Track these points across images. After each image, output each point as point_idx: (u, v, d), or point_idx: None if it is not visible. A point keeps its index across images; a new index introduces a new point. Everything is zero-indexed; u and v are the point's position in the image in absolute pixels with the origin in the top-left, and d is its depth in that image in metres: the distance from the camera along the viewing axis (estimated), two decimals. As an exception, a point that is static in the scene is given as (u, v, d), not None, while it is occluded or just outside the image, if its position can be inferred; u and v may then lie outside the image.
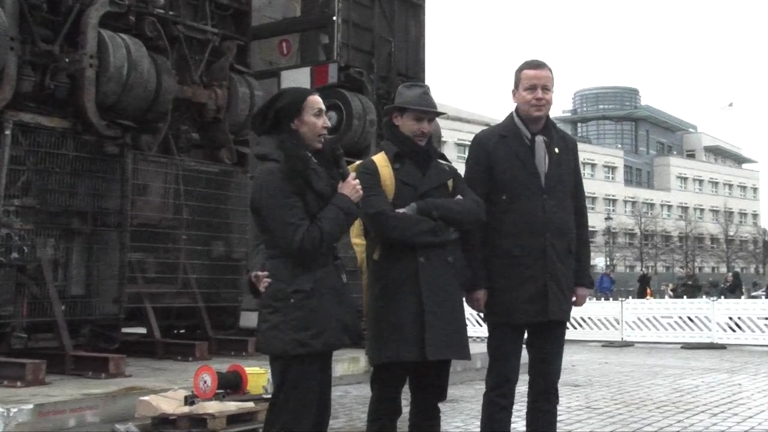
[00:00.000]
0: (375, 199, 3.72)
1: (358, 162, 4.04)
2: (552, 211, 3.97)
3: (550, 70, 4.07)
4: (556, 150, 4.06)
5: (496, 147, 4.09)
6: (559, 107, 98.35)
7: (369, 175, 3.81)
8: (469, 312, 4.33)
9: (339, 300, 3.36)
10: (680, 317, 15.68)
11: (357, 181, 3.48)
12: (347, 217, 3.39)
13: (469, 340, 4.01)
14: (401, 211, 3.73)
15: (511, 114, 4.16)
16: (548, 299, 3.91)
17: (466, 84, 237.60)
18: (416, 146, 3.87)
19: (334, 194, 3.40)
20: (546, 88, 4.03)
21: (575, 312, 4.17)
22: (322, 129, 3.46)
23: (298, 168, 3.29)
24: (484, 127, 4.69)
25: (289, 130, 3.41)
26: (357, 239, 3.95)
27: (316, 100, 3.47)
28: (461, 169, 4.09)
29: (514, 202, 3.98)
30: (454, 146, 56.48)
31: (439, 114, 4.00)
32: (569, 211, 4.06)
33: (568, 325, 4.25)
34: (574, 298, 4.12)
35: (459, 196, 3.86)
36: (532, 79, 4.03)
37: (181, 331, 10.08)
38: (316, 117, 3.44)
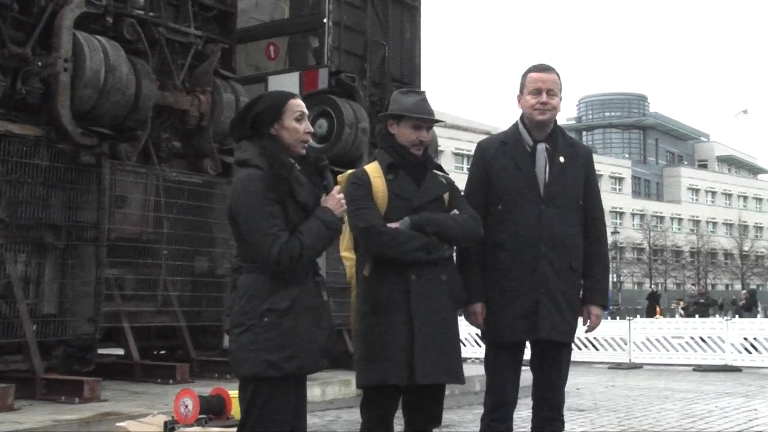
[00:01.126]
0: (366, 213, 3.72)
1: (349, 171, 4.05)
2: (549, 222, 3.97)
3: (558, 75, 4.10)
4: (561, 158, 4.08)
5: (496, 155, 4.12)
6: (563, 115, 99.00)
7: (360, 186, 3.82)
8: (467, 331, 4.37)
9: (317, 320, 3.34)
10: (692, 337, 15.68)
11: (341, 195, 3.47)
12: (330, 232, 3.36)
13: (468, 361, 4.03)
14: (393, 225, 3.73)
15: (517, 121, 4.20)
16: (539, 317, 3.92)
17: (464, 90, 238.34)
18: (412, 156, 3.88)
19: (317, 207, 3.38)
20: (552, 93, 4.05)
21: (579, 331, 4.16)
22: (304, 134, 3.45)
23: (282, 175, 3.29)
24: (484, 136, 4.72)
25: (269, 135, 3.41)
26: (346, 253, 3.95)
27: (297, 104, 3.47)
28: (459, 180, 4.11)
29: (509, 212, 4.00)
30: (452, 156, 56.62)
31: (436, 122, 4.01)
32: (572, 223, 4.05)
33: (572, 345, 4.25)
34: (582, 318, 4.12)
35: (455, 211, 3.86)
36: (537, 82, 4.06)
37: (161, 352, 10.04)
38: (298, 121, 3.44)
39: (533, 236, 3.95)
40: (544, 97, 4.05)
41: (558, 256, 3.97)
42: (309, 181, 3.42)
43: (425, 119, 3.90)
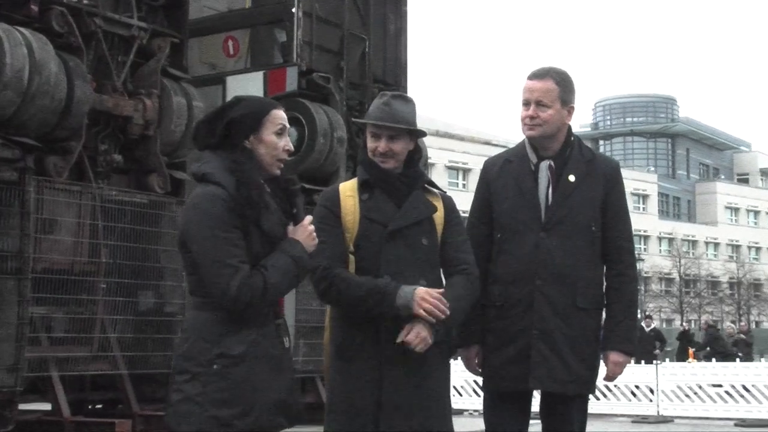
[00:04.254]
0: (318, 248, 3.71)
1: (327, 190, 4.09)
2: (548, 252, 4.02)
3: (556, 81, 4.13)
4: (571, 177, 4.12)
5: (499, 175, 4.19)
6: (577, 121, 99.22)
7: (326, 209, 3.84)
8: (464, 377, 4.43)
9: (277, 370, 3.35)
10: (732, 386, 15.73)
11: (313, 227, 3.48)
12: (299, 270, 3.37)
13: (464, 414, 4.07)
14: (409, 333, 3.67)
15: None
16: (531, 362, 3.95)
17: (461, 94, 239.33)
18: (384, 172, 3.88)
19: (284, 238, 3.40)
20: (541, 104, 4.11)
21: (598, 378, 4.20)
22: (283, 152, 3.48)
23: (251, 198, 3.29)
24: (482, 147, 4.79)
25: (242, 148, 3.41)
26: None
27: (281, 116, 3.50)
28: (455, 199, 4.14)
29: (507, 241, 4.06)
30: (445, 170, 56.65)
31: (411, 132, 3.95)
32: (580, 253, 4.08)
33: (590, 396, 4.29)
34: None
35: (453, 287, 3.82)
36: (525, 92, 4.16)
37: (98, 406, 9.97)
38: (278, 136, 3.47)
39: (528, 268, 3.99)
40: (531, 110, 4.11)
41: (558, 292, 4.00)
42: (278, 207, 3.43)
43: (379, 126, 3.88)
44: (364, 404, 3.69)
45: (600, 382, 4.23)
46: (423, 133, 4.06)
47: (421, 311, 3.64)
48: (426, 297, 3.65)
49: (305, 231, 3.44)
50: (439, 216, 3.95)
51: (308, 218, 3.50)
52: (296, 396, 3.48)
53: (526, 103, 4.14)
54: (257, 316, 3.32)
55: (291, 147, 3.53)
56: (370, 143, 3.91)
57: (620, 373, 4.21)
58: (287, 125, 3.53)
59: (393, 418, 3.68)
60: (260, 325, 3.34)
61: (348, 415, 3.71)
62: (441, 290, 3.73)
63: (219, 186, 3.31)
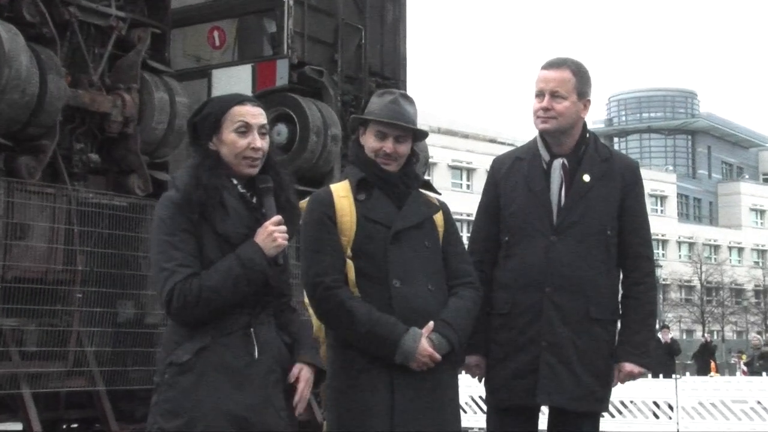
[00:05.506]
0: (315, 258, 3.75)
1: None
2: (560, 257, 4.02)
3: (572, 71, 4.14)
4: (586, 177, 4.13)
5: (508, 174, 4.20)
6: (589, 117, 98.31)
7: (321, 213, 3.84)
8: (468, 393, 4.45)
9: (235, 383, 3.34)
10: (759, 402, 15.72)
11: (278, 228, 3.48)
12: (245, 272, 3.38)
13: (470, 431, 4.10)
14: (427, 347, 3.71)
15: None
16: (540, 376, 3.95)
17: (464, 87, 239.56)
18: (383, 172, 3.90)
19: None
20: (557, 95, 4.11)
21: (612, 393, 4.20)
22: (249, 150, 3.51)
23: (194, 199, 3.36)
24: (487, 145, 4.81)
25: (205, 150, 3.52)
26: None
27: (241, 112, 3.54)
28: (457, 202, 4.15)
29: (515, 245, 4.07)
30: (448, 169, 56.72)
31: (410, 130, 3.97)
32: (594, 259, 4.09)
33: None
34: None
35: (456, 301, 3.86)
36: (539, 83, 4.15)
37: (73, 425, 9.96)
38: (241, 134, 3.51)
39: (537, 275, 3.99)
40: (545, 101, 4.11)
41: (569, 301, 4.01)
42: (245, 207, 3.48)
43: (392, 125, 3.90)
44: (377, 410, 3.72)
45: (615, 397, 4.24)
46: (425, 135, 4.09)
47: (419, 366, 3.74)
48: (425, 354, 3.71)
49: (265, 231, 3.46)
50: (439, 218, 3.98)
51: (274, 218, 3.51)
52: (266, 416, 3.42)
53: (540, 94, 4.14)
54: (218, 323, 3.36)
55: (258, 144, 3.54)
56: (374, 143, 3.91)
57: (630, 380, 4.21)
58: (258, 122, 3.56)
59: (407, 419, 3.71)
60: (219, 334, 3.36)
61: (361, 420, 3.73)
62: (438, 357, 3.78)
63: (175, 189, 3.43)
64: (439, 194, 4.13)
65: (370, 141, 3.95)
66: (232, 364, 3.36)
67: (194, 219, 3.35)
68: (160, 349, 3.44)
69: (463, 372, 4.26)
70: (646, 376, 4.19)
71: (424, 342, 3.71)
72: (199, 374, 3.30)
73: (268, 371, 3.44)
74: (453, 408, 3.91)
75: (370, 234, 3.83)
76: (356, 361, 3.79)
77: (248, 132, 3.52)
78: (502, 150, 5.09)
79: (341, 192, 3.91)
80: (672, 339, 25.14)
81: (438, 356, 3.72)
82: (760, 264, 76.81)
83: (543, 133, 4.21)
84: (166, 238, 3.33)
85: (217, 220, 3.39)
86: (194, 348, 3.32)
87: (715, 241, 79.52)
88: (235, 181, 3.51)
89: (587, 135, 4.26)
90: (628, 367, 4.15)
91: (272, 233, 3.46)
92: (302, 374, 3.52)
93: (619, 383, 4.20)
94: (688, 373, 21.93)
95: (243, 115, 3.53)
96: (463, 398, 15.19)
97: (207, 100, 3.66)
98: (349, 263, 3.84)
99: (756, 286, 72.27)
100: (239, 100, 3.60)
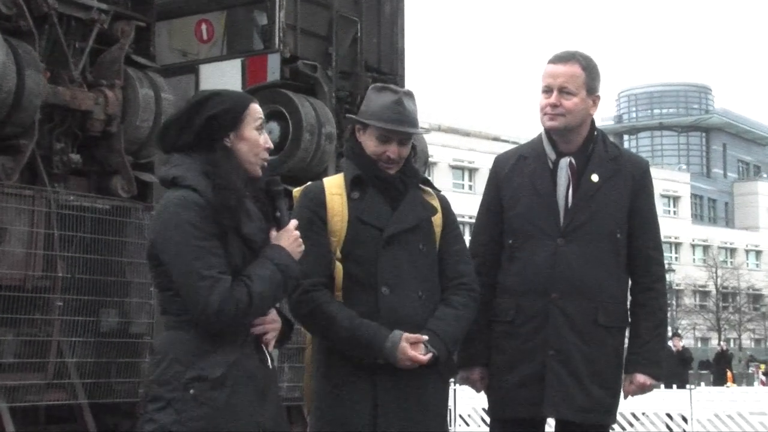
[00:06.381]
0: (301, 261, 3.73)
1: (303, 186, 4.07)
2: (566, 261, 4.03)
3: (581, 66, 4.16)
4: (594, 177, 4.14)
5: (511, 173, 4.20)
6: (597, 113, 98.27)
7: (310, 211, 3.85)
8: (471, 405, 4.46)
9: (261, 394, 3.37)
10: (777, 413, 15.75)
11: (298, 232, 3.51)
12: (285, 279, 3.40)
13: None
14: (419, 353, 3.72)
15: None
16: (546, 386, 3.95)
17: (466, 84, 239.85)
18: (382, 173, 3.90)
19: (267, 245, 3.43)
20: (566, 91, 4.12)
21: (624, 405, 4.21)
22: (264, 150, 3.51)
23: (230, 204, 3.32)
24: (490, 143, 4.82)
25: (222, 148, 3.45)
26: None
27: (259, 109, 3.55)
28: (459, 203, 4.15)
29: (520, 248, 4.07)
30: (449, 169, 56.81)
31: (412, 134, 4.00)
32: (603, 263, 4.11)
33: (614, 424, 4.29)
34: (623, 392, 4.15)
35: (454, 305, 3.87)
36: (547, 78, 4.16)
37: (54, 441, 9.95)
38: (259, 131, 3.52)
39: (543, 279, 4.00)
40: (554, 97, 4.11)
41: (577, 307, 4.01)
42: (258, 211, 3.47)
43: (395, 131, 3.90)
44: (360, 420, 3.74)
45: (627, 408, 4.25)
46: (424, 132, 4.10)
47: (405, 365, 3.74)
48: (405, 358, 3.73)
49: (291, 236, 3.47)
50: (437, 218, 3.98)
51: (293, 222, 3.53)
52: (283, 425, 3.50)
53: (548, 90, 4.14)
54: (238, 333, 3.35)
55: (271, 144, 3.58)
56: (377, 147, 3.91)
57: (641, 392, 4.22)
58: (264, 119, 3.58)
59: (390, 418, 3.73)
60: (242, 344, 3.36)
61: (342, 418, 3.76)
62: (425, 338, 3.78)
63: (192, 190, 3.34)
64: (439, 191, 4.11)
65: (371, 144, 3.94)
66: (256, 374, 3.38)
67: (225, 223, 3.32)
68: (152, 359, 3.38)
69: (459, 384, 4.27)
70: (658, 388, 4.20)
71: (403, 345, 3.73)
72: (232, 388, 3.28)
73: (275, 379, 3.52)
74: (439, 421, 3.92)
75: (361, 236, 3.84)
76: (339, 367, 3.80)
77: (262, 129, 3.55)
78: (506, 148, 5.10)
79: (334, 188, 3.91)
80: (683, 347, 25.18)
81: (422, 358, 3.73)
82: (780, 268, 76.82)
83: (550, 131, 4.21)
84: (200, 244, 3.27)
85: (243, 223, 3.37)
86: (227, 361, 3.30)
87: (731, 243, 79.56)
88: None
89: (595, 133, 4.27)
90: (640, 378, 4.16)
91: (297, 238, 3.48)
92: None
93: (629, 396, 4.20)
94: (703, 383, 21.93)
95: (260, 113, 3.55)
96: (466, 410, 15.21)
97: (207, 94, 3.56)
98: (338, 266, 3.86)
99: (775, 291, 72.29)
100: (252, 97, 3.60)
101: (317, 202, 3.87)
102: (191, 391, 3.25)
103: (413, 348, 3.73)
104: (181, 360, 3.29)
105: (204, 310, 3.24)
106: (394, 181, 3.93)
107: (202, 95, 3.59)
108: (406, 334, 3.74)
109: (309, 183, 4.10)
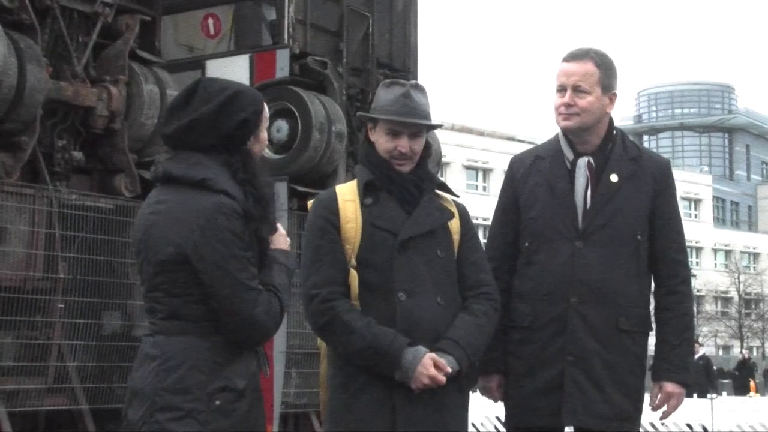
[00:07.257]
0: (314, 268, 3.76)
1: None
2: (586, 264, 4.02)
3: (595, 63, 4.16)
4: (614, 177, 4.13)
5: (528, 174, 4.20)
6: (617, 113, 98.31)
7: (324, 220, 3.85)
8: (484, 414, 4.46)
9: (261, 402, 3.43)
10: (804, 424, 15.73)
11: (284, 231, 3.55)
12: (289, 282, 3.48)
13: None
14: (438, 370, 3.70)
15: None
16: (565, 393, 3.95)
17: (480, 82, 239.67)
18: (395, 173, 3.89)
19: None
20: (579, 89, 4.12)
21: (642, 414, 4.20)
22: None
23: (268, 217, 3.41)
24: (505, 143, 4.83)
25: (245, 152, 3.48)
26: None
27: (266, 106, 3.57)
28: (472, 205, 4.15)
29: (537, 251, 4.07)
30: (462, 170, 56.76)
31: (423, 126, 3.99)
32: (623, 266, 4.10)
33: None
34: (650, 399, 4.14)
35: (470, 316, 3.86)
36: (561, 77, 4.17)
37: (54, 447, 9.97)
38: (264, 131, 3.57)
39: (561, 283, 3.99)
40: (567, 97, 4.12)
41: (597, 312, 4.01)
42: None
43: (405, 123, 3.89)
44: (377, 420, 3.74)
45: (646, 418, 4.24)
46: (438, 126, 4.09)
47: (418, 386, 3.72)
48: (426, 374, 3.69)
49: (286, 238, 3.54)
50: (455, 224, 3.97)
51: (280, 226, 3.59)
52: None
53: (562, 89, 4.15)
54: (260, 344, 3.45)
55: (266, 141, 3.62)
56: (387, 143, 3.91)
57: (676, 406, 4.19)
58: None
59: (409, 430, 3.72)
60: (253, 354, 3.42)
61: (360, 428, 3.75)
62: (443, 362, 3.75)
63: (227, 196, 3.35)
64: (457, 197, 4.10)
65: (381, 140, 3.94)
66: (259, 383, 3.43)
67: (263, 236, 3.41)
68: (156, 365, 3.32)
69: (479, 393, 4.26)
70: (685, 398, 4.18)
71: (427, 360, 3.70)
72: (251, 398, 3.33)
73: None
74: (459, 424, 3.93)
75: (376, 242, 3.83)
76: (356, 379, 3.80)
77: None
78: (521, 149, 5.10)
79: (347, 195, 3.91)
80: (704, 356, 25.08)
81: (442, 379, 3.71)
82: (805, 274, 76.56)
83: (565, 131, 4.21)
84: (243, 254, 3.31)
85: (262, 228, 3.43)
86: (249, 372, 3.35)
87: (754, 248, 79.32)
88: None
89: (614, 132, 4.26)
90: (670, 387, 4.14)
91: (287, 239, 3.56)
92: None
93: (657, 405, 4.18)
94: (725, 393, 21.88)
95: (266, 110, 3.57)
96: (479, 418, 15.19)
97: (231, 93, 3.48)
98: (353, 273, 3.84)
99: (800, 298, 72.02)
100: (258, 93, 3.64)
101: (330, 210, 3.87)
102: (217, 402, 3.26)
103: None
104: (201, 369, 3.28)
105: (248, 322, 3.28)
106: (408, 183, 3.92)
107: (226, 93, 3.47)
108: (432, 353, 3.72)
109: (322, 191, 4.11)
